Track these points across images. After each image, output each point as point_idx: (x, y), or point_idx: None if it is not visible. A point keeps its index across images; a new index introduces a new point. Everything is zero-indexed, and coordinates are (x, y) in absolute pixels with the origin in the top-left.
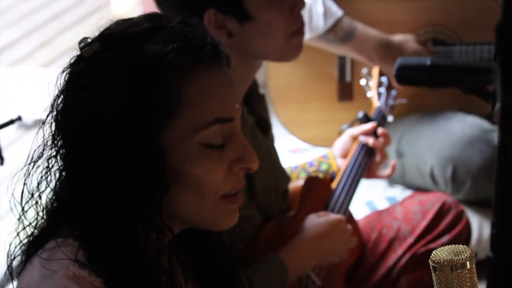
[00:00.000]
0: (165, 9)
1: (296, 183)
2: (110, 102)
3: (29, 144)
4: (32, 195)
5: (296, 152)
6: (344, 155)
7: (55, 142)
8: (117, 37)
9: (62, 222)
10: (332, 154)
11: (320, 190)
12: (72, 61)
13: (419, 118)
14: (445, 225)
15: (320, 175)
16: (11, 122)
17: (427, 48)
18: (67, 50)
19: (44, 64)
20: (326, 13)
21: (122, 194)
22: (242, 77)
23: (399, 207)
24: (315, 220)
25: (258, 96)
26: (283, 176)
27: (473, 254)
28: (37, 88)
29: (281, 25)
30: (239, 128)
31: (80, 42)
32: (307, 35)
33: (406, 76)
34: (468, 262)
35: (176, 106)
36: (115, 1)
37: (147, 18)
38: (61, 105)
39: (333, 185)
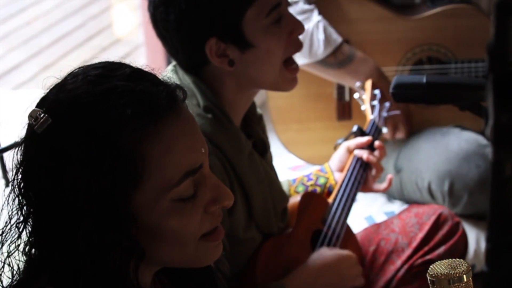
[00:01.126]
0: (166, 39)
1: (293, 200)
2: (73, 182)
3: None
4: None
5: (296, 170)
6: (341, 169)
7: (23, 214)
8: (69, 110)
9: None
10: (329, 167)
11: (317, 205)
12: (26, 138)
13: (417, 134)
14: (442, 236)
15: (318, 189)
16: (15, 145)
17: None
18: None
19: (47, 87)
20: (327, 40)
21: (98, 267)
22: (241, 103)
23: (396, 220)
24: (325, 252)
25: (256, 117)
26: (281, 196)
27: (470, 268)
28: None
29: (280, 50)
30: (208, 169)
31: (30, 116)
32: (306, 60)
33: (403, 93)
34: (464, 276)
35: (141, 171)
36: (117, 24)
37: (96, 79)
38: (22, 186)
39: (330, 199)
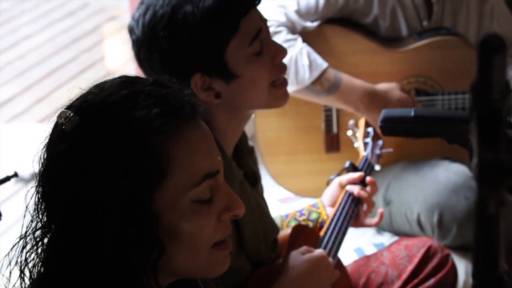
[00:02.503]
0: (152, 75)
1: (285, 232)
2: (101, 177)
3: (27, 198)
4: (22, 271)
5: (286, 202)
6: (333, 204)
7: (44, 216)
8: (97, 109)
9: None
10: (321, 203)
11: (307, 238)
12: (54, 137)
13: (405, 167)
14: (431, 268)
15: (311, 224)
16: (8, 178)
17: (410, 96)
18: (63, 106)
19: (40, 120)
20: (312, 65)
21: (119, 262)
22: (232, 131)
23: (386, 252)
24: (299, 258)
25: (248, 149)
26: (272, 227)
27: None
28: (34, 143)
29: (265, 76)
30: (223, 178)
31: (59, 117)
32: (294, 87)
33: (391, 127)
34: None
35: (166, 169)
36: (109, 57)
37: (121, 84)
38: (48, 183)
39: (321, 233)
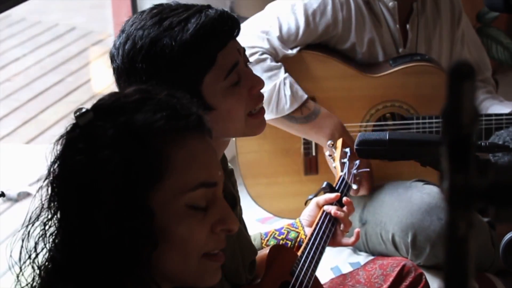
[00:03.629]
0: None
1: (262, 252)
2: (103, 165)
3: (15, 215)
4: (30, 256)
5: (265, 222)
6: (311, 224)
7: (51, 205)
8: (110, 107)
9: (56, 282)
10: (300, 222)
11: (285, 257)
12: (68, 129)
13: (381, 188)
14: (405, 287)
15: (289, 243)
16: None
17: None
18: (49, 127)
19: (27, 141)
20: (293, 96)
21: (114, 253)
22: None
23: (362, 271)
24: None
25: (227, 171)
26: (250, 249)
27: None
28: (20, 164)
29: (241, 108)
30: (221, 193)
31: (75, 112)
32: (273, 115)
33: (366, 150)
34: None
35: (164, 170)
36: (95, 80)
37: (137, 90)
38: (57, 169)
39: (299, 252)
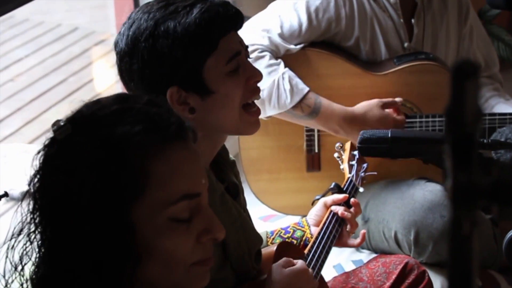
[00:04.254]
0: (131, 88)
1: (270, 248)
2: (82, 182)
3: (19, 215)
4: (15, 268)
5: (267, 220)
6: (318, 224)
7: (34, 218)
8: (87, 120)
9: None
10: (306, 222)
11: (292, 255)
12: (46, 143)
13: (383, 186)
14: (408, 284)
15: (294, 242)
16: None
17: (394, 109)
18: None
19: (30, 141)
20: (293, 90)
21: (97, 267)
22: (207, 149)
23: (364, 269)
24: (280, 272)
25: (229, 162)
26: (255, 237)
27: None
28: (23, 164)
29: (238, 95)
30: (206, 201)
31: (53, 125)
32: (276, 111)
33: (369, 148)
34: None
35: (144, 184)
36: (97, 80)
37: (115, 100)
38: (37, 184)
39: (306, 251)
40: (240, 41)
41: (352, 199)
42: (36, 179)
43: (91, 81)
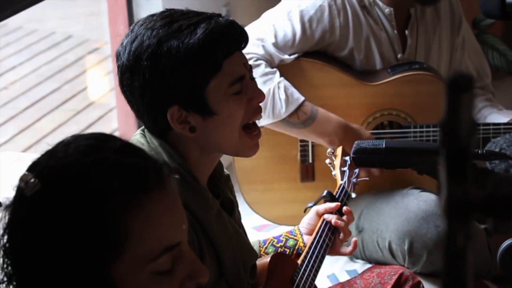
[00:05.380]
0: (132, 104)
1: (264, 260)
2: (58, 245)
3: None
4: None
5: (261, 230)
6: (310, 232)
7: (6, 269)
8: (58, 176)
9: None
10: (298, 230)
11: (285, 266)
12: (15, 201)
13: (378, 196)
14: None
15: (287, 251)
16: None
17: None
18: (46, 136)
19: (24, 149)
20: (288, 99)
21: None
22: (205, 165)
23: (359, 280)
24: None
25: (223, 177)
26: (250, 253)
27: None
28: (17, 172)
29: (239, 115)
30: (186, 245)
31: (21, 180)
32: (270, 120)
33: (363, 158)
34: None
35: (123, 242)
36: (91, 88)
37: (87, 150)
38: (7, 243)
39: (299, 261)
40: (245, 62)
41: (344, 208)
42: (5, 238)
43: (85, 89)
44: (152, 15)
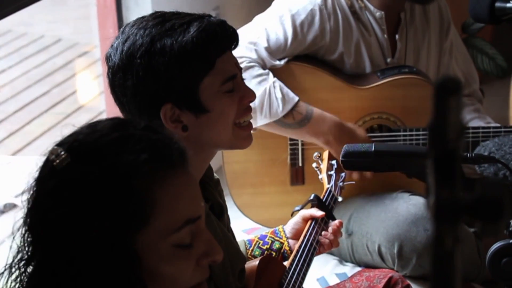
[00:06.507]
0: (124, 105)
1: (252, 263)
2: (86, 215)
3: (1, 227)
4: None
5: (251, 233)
6: (295, 236)
7: (31, 249)
8: (88, 149)
9: None
10: (283, 231)
11: (274, 269)
12: (43, 173)
13: (367, 199)
14: None
15: (273, 254)
16: None
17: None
18: (35, 139)
19: (13, 153)
20: (284, 98)
21: None
22: (197, 166)
23: (348, 283)
24: None
25: (213, 181)
26: (239, 257)
27: None
28: (7, 175)
29: (232, 112)
30: (204, 224)
31: (51, 153)
32: (267, 120)
33: (352, 162)
34: None
35: (149, 213)
36: (80, 92)
37: (113, 126)
38: (36, 218)
39: (287, 264)
40: (236, 63)
41: (334, 226)
42: (33, 212)
43: (74, 92)
44: (143, 17)
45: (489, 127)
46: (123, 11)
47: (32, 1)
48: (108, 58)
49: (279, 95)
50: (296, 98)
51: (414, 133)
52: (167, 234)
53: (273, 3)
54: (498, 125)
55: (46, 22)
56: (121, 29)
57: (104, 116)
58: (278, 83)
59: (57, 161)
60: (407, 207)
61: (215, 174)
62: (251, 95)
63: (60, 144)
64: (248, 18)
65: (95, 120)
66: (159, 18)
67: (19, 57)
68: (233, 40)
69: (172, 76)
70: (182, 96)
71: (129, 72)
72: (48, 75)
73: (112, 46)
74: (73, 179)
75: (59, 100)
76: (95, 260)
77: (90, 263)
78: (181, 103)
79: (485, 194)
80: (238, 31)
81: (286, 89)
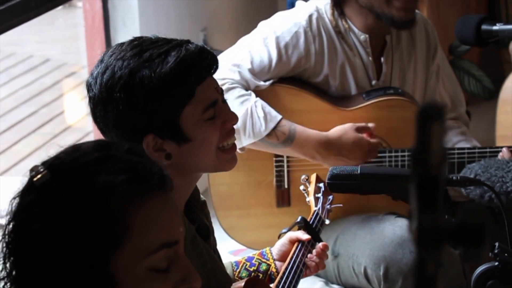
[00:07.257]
0: (106, 134)
1: (237, 284)
2: (61, 232)
3: None
4: None
5: (237, 254)
6: (282, 258)
7: (6, 262)
8: (68, 167)
9: None
10: (270, 253)
11: None
12: (23, 189)
13: (353, 221)
14: None
15: (260, 276)
16: None
17: (367, 129)
18: (23, 159)
19: (1, 173)
20: (266, 117)
21: None
22: (182, 191)
23: None
24: None
25: (199, 203)
26: (225, 280)
27: None
28: None
29: (215, 139)
30: (183, 249)
31: (31, 171)
32: (251, 140)
33: (338, 184)
34: None
35: (124, 234)
36: (68, 112)
37: (96, 147)
38: (12, 232)
39: (273, 286)
40: (216, 87)
41: (318, 248)
42: (10, 227)
43: (62, 113)
44: (121, 44)
45: (474, 148)
46: (111, 32)
47: (21, 22)
48: (88, 87)
49: (261, 114)
50: (279, 117)
51: (399, 154)
52: (142, 257)
53: (258, 25)
54: (484, 146)
55: (35, 42)
56: (101, 57)
57: (91, 137)
58: (260, 102)
59: (37, 177)
60: (393, 229)
61: (201, 196)
62: (233, 118)
63: (43, 163)
64: (235, 39)
65: (81, 141)
66: (137, 48)
67: (7, 77)
68: (212, 66)
69: (152, 109)
70: (164, 127)
71: (109, 105)
72: (36, 95)
73: (92, 74)
74: (50, 195)
75: (47, 120)
76: (70, 279)
77: (65, 281)
78: (163, 133)
79: (467, 220)
80: (223, 53)
81: (268, 108)
